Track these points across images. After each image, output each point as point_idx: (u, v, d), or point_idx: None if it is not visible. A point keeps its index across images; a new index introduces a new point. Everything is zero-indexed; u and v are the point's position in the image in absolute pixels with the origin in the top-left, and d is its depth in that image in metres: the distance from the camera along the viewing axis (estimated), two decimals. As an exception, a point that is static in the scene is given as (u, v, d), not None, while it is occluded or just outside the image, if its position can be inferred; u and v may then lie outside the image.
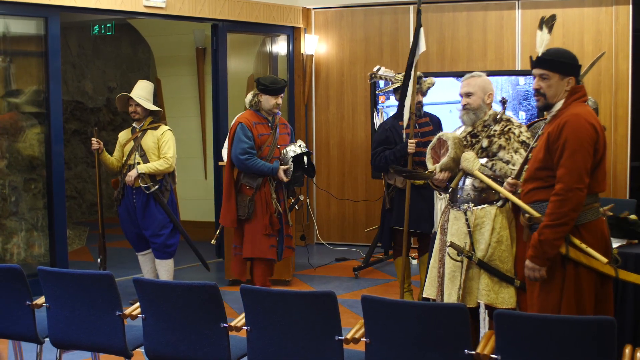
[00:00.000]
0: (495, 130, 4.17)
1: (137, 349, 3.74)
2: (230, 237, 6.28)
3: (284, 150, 5.68)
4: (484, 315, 4.35)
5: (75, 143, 10.54)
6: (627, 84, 7.41)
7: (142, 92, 5.94)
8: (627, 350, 3.05)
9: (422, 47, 5.45)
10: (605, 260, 3.40)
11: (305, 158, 5.76)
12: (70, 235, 8.53)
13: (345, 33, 8.34)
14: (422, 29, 5.46)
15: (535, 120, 5.21)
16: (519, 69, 7.57)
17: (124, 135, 6.09)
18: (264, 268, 5.69)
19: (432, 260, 4.40)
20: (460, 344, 2.95)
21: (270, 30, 8.29)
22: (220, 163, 7.03)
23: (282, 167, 5.62)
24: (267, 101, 5.63)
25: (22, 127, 6.68)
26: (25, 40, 6.81)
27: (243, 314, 3.41)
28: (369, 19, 8.24)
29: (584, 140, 3.34)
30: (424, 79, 5.79)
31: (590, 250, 3.39)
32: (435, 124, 5.94)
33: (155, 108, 5.97)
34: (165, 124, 6.11)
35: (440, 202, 5.72)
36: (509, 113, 4.44)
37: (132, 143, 5.95)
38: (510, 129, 4.16)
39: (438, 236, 4.33)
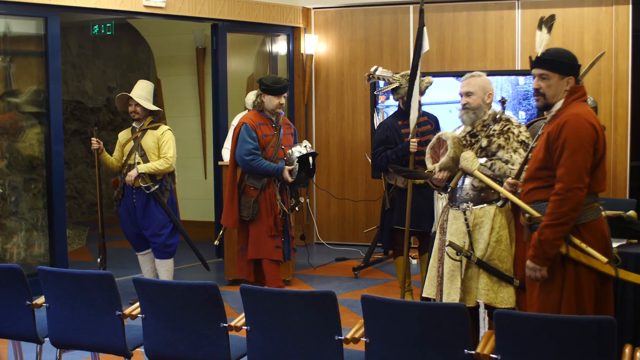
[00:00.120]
0: (494, 130, 4.17)
1: (137, 349, 3.74)
2: (231, 237, 6.28)
3: (290, 151, 5.66)
4: (483, 315, 4.36)
5: (75, 143, 10.54)
6: (627, 83, 7.42)
7: (142, 92, 5.94)
8: (627, 349, 3.05)
9: (426, 46, 5.44)
10: (605, 259, 3.40)
11: (310, 159, 5.74)
12: (70, 235, 8.53)
13: (345, 33, 8.34)
14: (425, 29, 5.45)
15: (535, 120, 5.21)
16: (519, 68, 7.57)
17: (123, 135, 6.09)
18: (273, 269, 5.64)
19: (431, 260, 4.40)
20: (460, 343, 2.95)
21: (270, 30, 8.29)
22: (220, 163, 7.03)
23: (287, 167, 5.61)
24: (270, 101, 5.60)
25: (22, 127, 6.68)
26: (25, 40, 6.81)
27: (243, 314, 3.41)
28: (369, 19, 8.24)
29: (583, 139, 3.34)
30: (421, 78, 5.79)
31: (590, 249, 3.39)
32: (433, 123, 5.95)
33: (155, 108, 5.97)
34: (165, 124, 6.11)
35: (441, 201, 5.72)
36: (508, 113, 4.45)
37: (132, 143, 5.95)
38: (509, 128, 4.16)
39: (437, 236, 4.33)
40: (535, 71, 3.52)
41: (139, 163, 5.86)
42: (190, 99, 8.88)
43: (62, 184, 6.42)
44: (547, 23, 3.83)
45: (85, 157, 10.65)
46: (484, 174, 4.07)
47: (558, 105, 3.49)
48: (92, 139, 5.93)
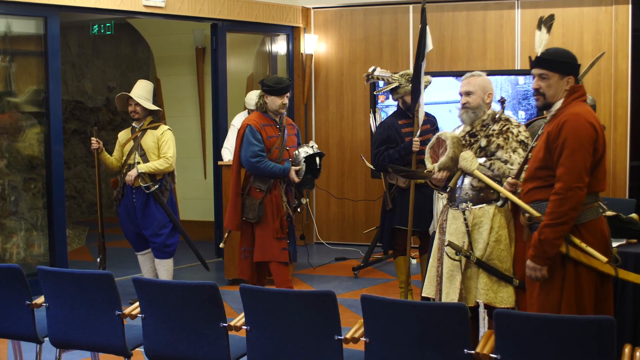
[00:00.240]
0: (493, 130, 4.17)
1: (136, 349, 3.74)
2: (232, 237, 6.26)
3: (296, 152, 5.63)
4: (483, 315, 4.36)
5: (74, 143, 10.54)
6: (626, 83, 7.42)
7: (141, 91, 5.94)
8: (627, 349, 3.05)
9: (429, 45, 5.42)
10: (605, 259, 3.40)
11: (317, 159, 5.72)
12: (69, 234, 8.53)
13: (344, 33, 8.34)
14: (427, 28, 5.44)
15: (534, 119, 5.21)
16: (519, 68, 7.57)
17: (123, 134, 6.09)
18: (281, 270, 5.59)
19: (431, 260, 4.40)
20: (460, 343, 2.95)
21: (269, 30, 8.29)
22: (219, 163, 7.03)
23: (293, 167, 5.57)
24: (273, 102, 5.55)
25: (22, 127, 6.68)
26: (25, 40, 6.81)
27: (242, 314, 3.41)
28: (369, 19, 8.24)
29: (583, 139, 3.34)
30: (421, 77, 5.79)
31: (590, 249, 3.40)
32: (432, 122, 5.95)
33: (155, 108, 5.97)
34: (165, 124, 6.11)
35: (441, 201, 5.71)
36: (508, 112, 4.45)
37: (131, 143, 5.95)
38: (508, 128, 4.16)
39: (437, 235, 4.33)
40: (535, 71, 3.52)
41: (138, 163, 5.86)
42: (189, 98, 8.88)
43: (61, 184, 6.41)
44: (547, 23, 3.83)
45: (85, 157, 10.65)
46: (484, 174, 4.07)
47: (558, 104, 3.50)
48: (92, 138, 5.93)
